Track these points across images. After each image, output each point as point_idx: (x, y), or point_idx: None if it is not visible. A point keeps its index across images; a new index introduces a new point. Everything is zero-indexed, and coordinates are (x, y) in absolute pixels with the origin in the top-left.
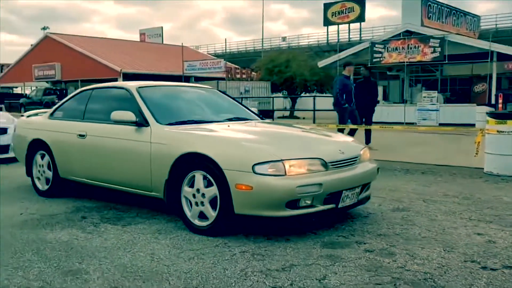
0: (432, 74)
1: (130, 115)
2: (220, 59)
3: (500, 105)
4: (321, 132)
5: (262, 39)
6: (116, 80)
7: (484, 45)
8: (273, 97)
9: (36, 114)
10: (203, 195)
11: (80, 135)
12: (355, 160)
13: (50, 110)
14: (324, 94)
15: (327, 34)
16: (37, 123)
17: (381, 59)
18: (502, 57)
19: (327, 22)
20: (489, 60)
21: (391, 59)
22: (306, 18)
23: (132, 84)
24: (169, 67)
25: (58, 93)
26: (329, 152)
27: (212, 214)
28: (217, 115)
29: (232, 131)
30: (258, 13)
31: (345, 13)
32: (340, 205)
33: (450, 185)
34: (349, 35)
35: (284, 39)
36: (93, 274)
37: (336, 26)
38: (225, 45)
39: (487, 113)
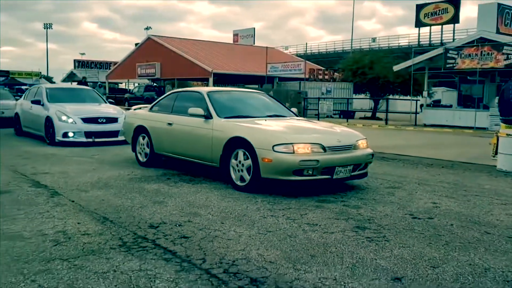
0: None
1: (200, 111)
2: (301, 61)
3: None
4: (330, 126)
5: (352, 39)
6: (207, 79)
7: None
8: (353, 98)
9: (140, 108)
10: (242, 165)
11: (169, 124)
12: (350, 147)
13: (149, 106)
14: (407, 97)
15: (418, 35)
16: (140, 114)
17: (454, 64)
18: None
19: (419, 23)
20: None
21: (464, 65)
22: (399, 17)
23: (205, 89)
24: (254, 67)
25: (156, 90)
26: (328, 140)
27: (247, 177)
28: (260, 112)
29: (266, 124)
30: (350, 11)
31: (438, 14)
32: (334, 177)
33: (453, 176)
34: (441, 36)
35: (374, 40)
36: (169, 204)
37: (429, 27)
38: (306, 46)
39: (500, 118)
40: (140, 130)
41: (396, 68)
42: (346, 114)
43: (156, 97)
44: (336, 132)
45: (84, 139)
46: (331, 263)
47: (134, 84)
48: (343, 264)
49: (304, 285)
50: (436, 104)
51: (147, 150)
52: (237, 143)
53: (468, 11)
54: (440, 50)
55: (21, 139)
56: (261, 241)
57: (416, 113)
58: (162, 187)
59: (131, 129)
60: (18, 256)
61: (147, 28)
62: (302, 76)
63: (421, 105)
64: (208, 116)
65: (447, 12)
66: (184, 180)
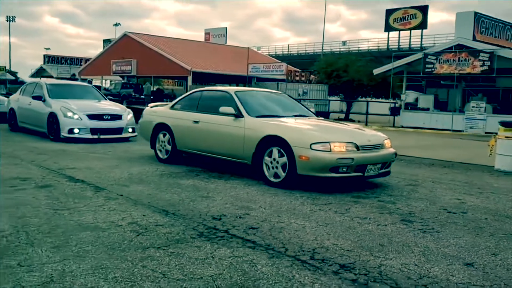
0: (491, 84)
1: (231, 109)
2: (283, 63)
3: None
4: (357, 127)
5: (323, 42)
6: (186, 77)
7: None
8: (329, 100)
9: (156, 106)
10: (277, 162)
11: (195, 121)
12: (378, 146)
13: (170, 103)
14: (379, 100)
15: (388, 40)
16: (160, 112)
17: (433, 69)
18: None
19: (388, 28)
20: None
21: (442, 70)
22: (363, 20)
23: (231, 89)
24: (233, 67)
25: (134, 87)
26: (360, 139)
27: (282, 174)
28: (286, 112)
29: (298, 123)
30: (315, 14)
31: (407, 19)
32: (365, 174)
33: (460, 175)
34: (410, 42)
35: (344, 43)
36: (217, 198)
37: (398, 32)
38: (276, 47)
39: (499, 121)
40: (161, 127)
41: (376, 71)
42: (322, 116)
43: (133, 94)
44: (365, 131)
45: (89, 136)
46: (402, 251)
47: (105, 82)
48: (413, 252)
49: (391, 270)
50: (414, 107)
51: (168, 147)
52: (272, 141)
53: (434, 18)
54: (419, 55)
55: (20, 135)
56: (327, 232)
57: (394, 115)
58: (198, 183)
59: (150, 126)
60: (111, 245)
61: (116, 24)
62: (283, 77)
63: (390, 108)
64: (238, 115)
65: (416, 18)
66: (213, 177)
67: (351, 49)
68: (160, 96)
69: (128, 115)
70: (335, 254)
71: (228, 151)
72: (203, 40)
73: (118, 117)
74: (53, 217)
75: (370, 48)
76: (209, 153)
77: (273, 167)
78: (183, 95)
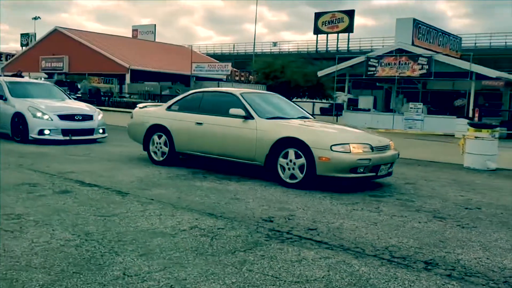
0: (414, 87)
1: (241, 111)
2: (228, 63)
3: (476, 118)
4: (362, 129)
5: (254, 43)
6: (124, 75)
7: (465, 65)
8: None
9: (145, 106)
10: (294, 163)
11: (198, 123)
12: (387, 147)
13: (165, 104)
14: (315, 100)
15: (317, 42)
16: (155, 112)
17: (375, 72)
18: (480, 76)
19: (317, 31)
20: (469, 78)
21: (384, 73)
22: (284, 22)
23: (236, 90)
24: (174, 65)
25: (66, 84)
26: (373, 140)
27: (300, 175)
28: (290, 114)
29: (310, 125)
30: (237, 14)
31: (335, 23)
32: (378, 174)
33: (441, 173)
34: (337, 44)
35: (275, 44)
36: (249, 200)
37: (326, 35)
38: (206, 46)
39: (468, 123)
40: (156, 129)
41: (320, 73)
42: None
43: (69, 92)
44: (370, 133)
45: (61, 137)
46: (463, 246)
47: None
48: (473, 247)
49: (470, 264)
50: (355, 108)
51: (165, 149)
52: (287, 143)
53: (359, 22)
54: (361, 58)
55: None
56: (383, 231)
57: (337, 115)
58: (215, 185)
59: (143, 128)
60: (195, 250)
61: (35, 18)
62: (223, 77)
63: (321, 108)
64: (248, 117)
65: (343, 22)
66: (223, 179)
67: (281, 50)
68: (98, 95)
69: (99, 115)
70: (409, 252)
71: (237, 153)
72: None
73: (89, 117)
74: (108, 224)
75: (300, 50)
76: (215, 155)
77: (289, 168)
78: (180, 96)
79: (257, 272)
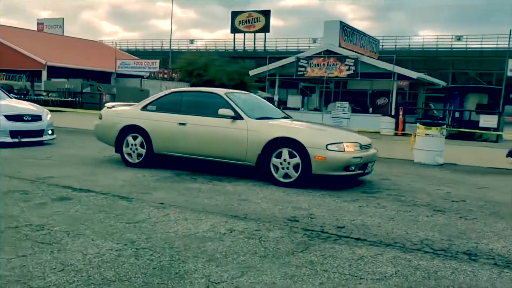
0: (327, 86)
1: (230, 112)
2: (156, 60)
3: (401, 117)
4: (343, 129)
5: (170, 40)
6: (39, 72)
7: (388, 66)
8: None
9: (114, 106)
10: (288, 163)
11: (181, 123)
12: (370, 146)
13: (138, 104)
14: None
15: (234, 41)
16: (129, 113)
17: (305, 72)
18: (401, 76)
19: (234, 30)
20: (392, 79)
21: (313, 73)
22: (193, 19)
23: (219, 90)
24: (95, 62)
25: None
26: (360, 139)
27: (295, 174)
28: (274, 114)
29: (300, 125)
30: (144, 9)
31: (251, 22)
32: (366, 171)
33: (402, 169)
34: (254, 44)
35: (192, 41)
36: (259, 201)
37: (243, 34)
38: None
39: (417, 121)
40: (130, 130)
41: (252, 72)
42: None
43: None
44: (357, 134)
45: (9, 139)
46: (482, 236)
47: None
48: (490, 236)
49: (503, 252)
50: (285, 107)
51: (141, 151)
52: (281, 143)
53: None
54: (292, 59)
55: None
56: (406, 226)
57: None
58: (212, 187)
59: (115, 128)
60: (254, 253)
61: None
62: (145, 74)
63: None
64: (236, 117)
65: (259, 21)
66: (213, 180)
67: (199, 47)
68: (10, 93)
69: (47, 116)
70: (444, 244)
71: (226, 154)
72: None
73: (38, 117)
74: (143, 231)
75: (217, 48)
76: (200, 156)
77: (283, 168)
78: (156, 96)
79: (334, 271)
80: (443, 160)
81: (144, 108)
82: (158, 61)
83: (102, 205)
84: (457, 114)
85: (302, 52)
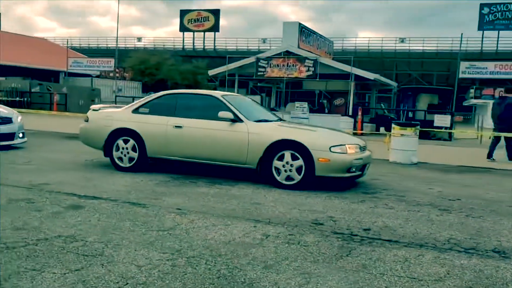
0: (278, 87)
1: (230, 114)
2: (111, 59)
3: (360, 117)
4: (340, 131)
5: (117, 37)
6: None
7: (346, 68)
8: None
9: (99, 109)
10: (291, 165)
11: (177, 126)
12: (366, 147)
13: (129, 106)
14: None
15: (183, 40)
16: (120, 115)
17: (264, 73)
18: (358, 77)
19: (183, 28)
20: (350, 80)
21: (273, 74)
22: (134, 17)
23: (215, 93)
24: (40, 60)
25: None
26: (359, 141)
27: (298, 176)
28: (269, 117)
29: (299, 127)
30: (82, 5)
31: (201, 21)
32: (364, 173)
33: (384, 169)
34: (204, 43)
35: (139, 39)
36: (274, 205)
37: (192, 33)
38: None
39: (393, 121)
40: (121, 133)
41: (211, 72)
42: None
43: None
44: (347, 133)
45: None
46: (500, 234)
47: None
48: (507, 234)
49: None
50: None
51: (133, 155)
52: (283, 145)
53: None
54: (252, 59)
55: None
56: (425, 226)
57: None
58: (219, 192)
59: (104, 132)
60: (304, 258)
61: None
62: (96, 72)
63: None
64: (235, 120)
65: (209, 20)
66: (214, 183)
67: (146, 46)
68: None
69: (18, 118)
70: (471, 243)
71: (226, 157)
72: None
73: (8, 120)
74: (182, 238)
75: (166, 47)
76: (198, 159)
77: (285, 170)
78: (147, 98)
79: (391, 275)
80: (417, 159)
81: (136, 111)
82: (112, 60)
83: (120, 212)
84: (410, 114)
85: (253, 51)
